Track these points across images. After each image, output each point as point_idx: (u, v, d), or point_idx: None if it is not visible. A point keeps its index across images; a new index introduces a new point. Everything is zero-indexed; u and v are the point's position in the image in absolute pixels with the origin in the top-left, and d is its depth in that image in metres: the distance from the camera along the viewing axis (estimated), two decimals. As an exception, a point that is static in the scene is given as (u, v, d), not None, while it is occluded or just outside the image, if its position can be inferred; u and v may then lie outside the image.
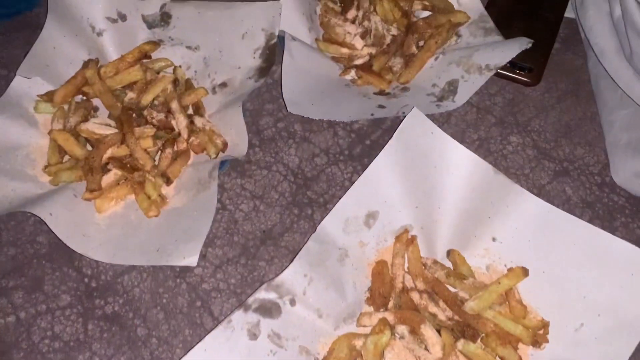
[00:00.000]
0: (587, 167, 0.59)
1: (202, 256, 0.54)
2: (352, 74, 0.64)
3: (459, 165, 0.51)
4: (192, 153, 0.58)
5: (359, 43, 0.63)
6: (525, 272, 0.48)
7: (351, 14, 0.66)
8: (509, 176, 0.57)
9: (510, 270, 0.48)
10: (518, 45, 0.59)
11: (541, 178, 0.59)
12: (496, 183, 0.51)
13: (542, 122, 0.62)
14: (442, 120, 0.62)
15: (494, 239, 0.52)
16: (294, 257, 0.50)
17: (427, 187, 0.52)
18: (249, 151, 0.59)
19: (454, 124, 0.62)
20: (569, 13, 0.68)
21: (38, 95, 0.58)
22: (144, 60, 0.61)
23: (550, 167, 0.59)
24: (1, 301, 0.52)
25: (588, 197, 0.58)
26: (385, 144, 0.54)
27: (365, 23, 0.65)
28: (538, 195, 0.55)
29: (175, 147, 0.58)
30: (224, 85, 0.62)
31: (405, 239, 0.52)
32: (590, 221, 0.54)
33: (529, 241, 0.51)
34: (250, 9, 0.62)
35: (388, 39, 0.65)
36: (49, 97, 0.58)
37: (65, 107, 0.58)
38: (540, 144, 0.61)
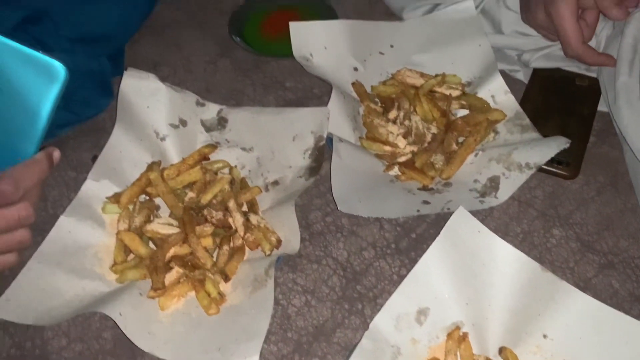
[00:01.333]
0: (632, 260, 0.60)
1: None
2: (396, 169, 0.67)
3: (507, 263, 0.53)
4: (247, 249, 0.62)
5: (401, 142, 0.67)
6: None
7: (392, 114, 0.70)
8: (554, 270, 0.59)
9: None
10: (556, 145, 0.62)
11: (587, 271, 0.60)
12: (544, 281, 0.53)
13: (583, 214, 0.64)
14: (485, 214, 0.64)
15: (545, 336, 0.53)
16: (348, 355, 0.52)
17: (477, 284, 0.54)
18: (300, 245, 0.62)
19: (497, 217, 0.64)
20: (601, 107, 0.72)
21: (106, 197, 0.63)
22: (203, 162, 0.66)
23: (595, 260, 0.61)
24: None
25: (636, 291, 0.58)
26: (431, 238, 0.56)
27: (406, 122, 0.69)
28: (585, 289, 0.57)
29: (231, 243, 0.61)
30: (276, 183, 0.66)
31: (457, 336, 0.53)
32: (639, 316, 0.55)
33: (581, 338, 0.52)
34: (300, 114, 0.67)
35: (429, 137, 0.68)
36: (115, 198, 0.63)
37: (130, 207, 0.63)
38: (583, 236, 0.62)
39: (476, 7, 0.74)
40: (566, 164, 0.66)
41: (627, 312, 0.53)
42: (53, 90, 0.43)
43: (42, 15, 0.69)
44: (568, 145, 0.62)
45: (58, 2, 0.70)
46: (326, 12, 0.86)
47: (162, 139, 0.67)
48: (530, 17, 0.67)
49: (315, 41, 0.74)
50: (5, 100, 0.42)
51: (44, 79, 0.42)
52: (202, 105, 0.69)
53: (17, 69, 0.42)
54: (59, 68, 0.42)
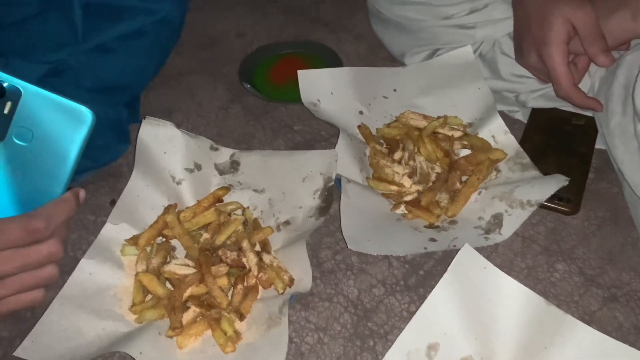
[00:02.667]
0: (635, 293, 0.62)
1: (274, 390, 0.57)
2: (402, 208, 0.70)
3: (512, 298, 0.55)
4: (260, 288, 0.64)
5: (407, 182, 0.70)
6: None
7: (397, 155, 0.73)
8: (559, 303, 0.61)
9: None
10: (556, 182, 0.65)
11: (591, 305, 0.61)
12: (549, 314, 0.54)
13: (586, 249, 0.66)
14: (491, 250, 0.66)
15: (552, 369, 0.54)
16: (362, 391, 0.53)
17: (484, 319, 0.55)
18: (311, 283, 0.64)
19: (502, 253, 0.66)
20: (599, 144, 0.74)
21: (125, 240, 0.65)
22: (217, 204, 0.69)
23: (598, 294, 0.62)
24: None
25: (640, 323, 0.60)
26: (438, 274, 0.58)
27: (411, 163, 0.72)
28: (589, 322, 0.58)
29: (245, 282, 0.63)
30: (287, 223, 0.68)
31: (466, 371, 0.54)
32: (644, 348, 0.56)
33: (587, 371, 0.53)
34: (309, 156, 0.70)
35: (433, 177, 0.71)
36: (134, 241, 0.65)
37: (148, 249, 0.65)
38: (586, 270, 0.64)
39: (474, 52, 0.78)
40: (567, 200, 0.68)
41: (632, 345, 0.54)
42: (81, 134, 0.46)
43: (65, 68, 0.73)
44: (567, 182, 0.65)
45: (78, 55, 0.74)
46: (331, 58, 0.91)
47: (178, 183, 0.70)
48: (523, 59, 0.71)
49: (322, 87, 0.78)
50: (37, 144, 0.46)
51: (72, 123, 0.46)
52: (216, 149, 0.73)
53: (48, 115, 0.45)
54: (86, 113, 0.46)
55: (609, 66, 0.67)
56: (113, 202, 0.73)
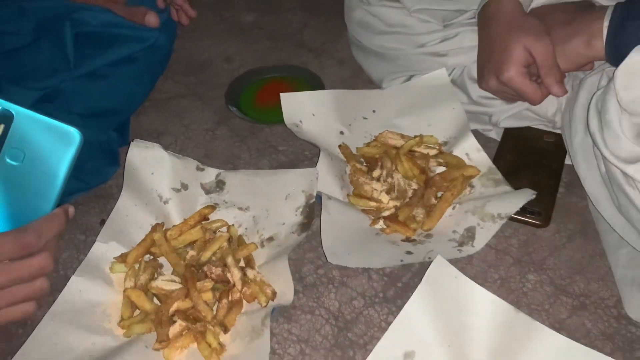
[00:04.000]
0: (602, 301, 0.65)
1: (257, 400, 0.59)
2: (381, 223, 0.73)
3: (483, 306, 0.58)
4: (244, 302, 0.66)
5: (385, 198, 0.73)
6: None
7: (376, 172, 0.76)
8: (531, 312, 0.64)
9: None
10: (524, 196, 0.68)
11: (560, 313, 0.64)
12: (518, 321, 0.57)
13: (556, 260, 0.69)
14: (465, 262, 0.69)
15: (522, 374, 0.57)
16: (341, 398, 0.55)
17: (457, 327, 0.58)
18: (294, 297, 0.67)
19: (476, 264, 0.69)
20: (568, 161, 0.78)
21: (114, 258, 0.68)
22: (203, 222, 0.72)
23: (568, 302, 0.65)
24: None
25: (607, 330, 0.62)
26: (415, 286, 0.61)
27: (389, 180, 0.75)
28: (560, 329, 0.61)
29: (230, 297, 0.66)
30: (270, 239, 0.71)
31: (440, 377, 0.57)
32: (611, 353, 0.59)
33: (556, 376, 0.56)
34: (291, 175, 0.74)
35: (410, 193, 0.74)
36: (122, 258, 0.68)
37: (136, 266, 0.68)
38: (556, 280, 0.67)
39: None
40: (538, 214, 0.72)
41: (599, 350, 0.57)
42: (70, 153, 0.49)
43: (56, 94, 0.76)
44: (534, 196, 0.68)
45: (70, 81, 0.78)
46: (314, 82, 0.95)
47: (165, 202, 0.73)
48: (484, 83, 0.75)
49: (304, 109, 0.81)
50: (29, 164, 0.49)
51: (62, 143, 0.49)
52: (202, 170, 0.76)
53: (39, 136, 0.48)
54: (75, 133, 0.49)
55: (562, 96, 0.71)
56: (103, 222, 0.75)
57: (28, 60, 0.77)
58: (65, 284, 0.65)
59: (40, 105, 0.74)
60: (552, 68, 0.68)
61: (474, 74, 0.78)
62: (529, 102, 0.74)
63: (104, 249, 0.68)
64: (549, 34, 0.68)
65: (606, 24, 0.64)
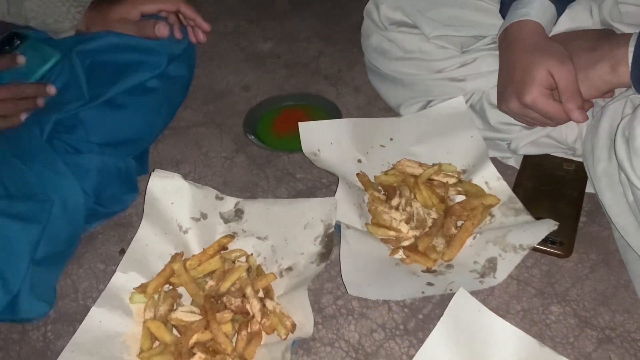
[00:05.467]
0: (628, 334, 0.64)
1: None
2: (401, 253, 0.72)
3: (506, 340, 0.57)
4: (263, 334, 0.66)
5: (404, 227, 0.73)
6: None
7: (395, 201, 0.76)
8: (555, 345, 0.62)
9: None
10: (546, 227, 0.67)
11: (586, 346, 0.63)
12: (543, 356, 0.56)
13: (579, 291, 0.68)
14: (487, 293, 0.68)
15: (549, 411, 0.55)
16: None
17: (480, 362, 0.57)
18: (313, 328, 0.66)
19: (498, 295, 0.68)
20: (589, 189, 0.77)
21: (134, 288, 0.68)
22: (222, 251, 0.72)
23: (593, 335, 0.64)
24: None
25: (634, 364, 0.61)
26: (437, 318, 0.60)
27: (408, 209, 0.75)
28: (585, 364, 0.60)
29: (249, 328, 0.65)
30: (289, 269, 0.71)
31: (464, 414, 0.56)
32: (640, 389, 0.58)
33: (583, 412, 0.54)
34: (310, 204, 0.73)
35: (429, 222, 0.74)
36: (142, 289, 0.68)
37: (156, 296, 0.68)
38: (580, 312, 0.66)
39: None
40: (560, 244, 0.71)
41: (627, 386, 0.56)
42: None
43: (75, 123, 0.77)
44: (557, 227, 0.68)
45: (89, 111, 0.79)
46: (331, 109, 0.95)
47: (185, 232, 0.73)
48: (504, 105, 0.74)
49: (321, 138, 0.82)
50: None
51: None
52: (221, 199, 0.76)
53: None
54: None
55: (582, 122, 0.70)
56: (122, 252, 0.76)
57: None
58: (85, 314, 0.65)
59: (60, 135, 0.75)
60: (574, 94, 0.68)
61: (493, 99, 0.78)
62: (554, 122, 0.73)
63: (124, 279, 0.68)
64: (571, 60, 0.68)
65: (631, 49, 0.64)
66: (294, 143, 0.85)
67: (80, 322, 0.65)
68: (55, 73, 0.80)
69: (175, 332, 0.65)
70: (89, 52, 0.81)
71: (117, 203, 0.82)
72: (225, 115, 0.98)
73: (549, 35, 0.74)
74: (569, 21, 0.75)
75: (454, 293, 0.61)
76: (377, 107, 0.96)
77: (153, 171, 0.74)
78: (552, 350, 0.56)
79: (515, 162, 0.82)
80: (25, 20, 0.83)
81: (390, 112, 0.94)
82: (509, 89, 0.73)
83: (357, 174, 0.80)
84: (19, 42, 0.81)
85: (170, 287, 0.70)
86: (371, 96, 0.98)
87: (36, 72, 0.79)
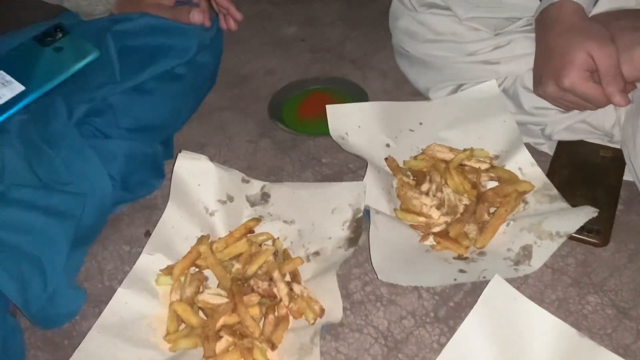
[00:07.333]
0: (669, 326, 0.61)
1: (305, 421, 0.57)
2: (431, 239, 0.70)
3: (544, 330, 0.55)
4: (290, 318, 0.64)
5: (435, 213, 0.71)
6: None
7: (425, 187, 0.74)
8: (592, 336, 0.60)
9: None
10: (584, 214, 0.65)
11: (624, 338, 0.61)
12: (582, 347, 0.54)
13: (617, 281, 0.66)
14: (521, 282, 0.66)
15: (588, 403, 0.53)
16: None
17: (516, 351, 0.55)
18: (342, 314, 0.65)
19: (532, 284, 0.66)
20: (627, 176, 0.75)
21: (160, 270, 0.67)
22: (248, 235, 0.71)
23: (632, 327, 0.61)
24: None
25: (676, 357, 0.59)
26: (468, 306, 0.59)
27: (439, 194, 0.73)
28: (625, 356, 0.58)
29: (276, 312, 0.64)
30: (316, 254, 0.70)
31: (499, 404, 0.54)
32: (682, 382, 0.55)
33: (624, 405, 0.52)
34: (338, 188, 0.72)
35: (461, 208, 0.72)
36: (168, 271, 0.67)
37: (182, 279, 0.67)
38: (618, 303, 0.64)
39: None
40: (596, 232, 0.68)
41: (669, 379, 0.54)
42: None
43: (105, 108, 0.77)
44: (596, 214, 0.65)
45: (117, 96, 0.78)
46: (357, 94, 0.94)
47: (211, 214, 0.72)
48: (541, 89, 0.72)
49: (349, 121, 0.80)
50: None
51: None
52: (247, 182, 0.75)
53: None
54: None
55: (624, 106, 0.67)
56: (148, 234, 0.75)
57: (76, 76, 0.78)
58: (111, 296, 0.65)
59: (89, 119, 0.75)
60: (615, 77, 0.65)
61: (528, 83, 0.75)
62: (594, 106, 0.70)
63: (149, 261, 0.68)
64: (613, 41, 0.65)
65: None
66: (319, 127, 0.83)
67: (106, 304, 0.64)
68: None
69: (201, 315, 0.65)
70: (123, 33, 0.81)
71: (143, 188, 0.81)
72: (249, 99, 0.97)
73: (589, 16, 0.71)
74: (610, 1, 0.72)
75: (487, 281, 0.59)
76: (404, 91, 0.94)
77: (180, 152, 0.73)
78: (592, 341, 0.54)
79: (548, 149, 0.80)
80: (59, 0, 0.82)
81: (419, 96, 0.92)
82: (547, 72, 0.70)
83: (386, 159, 0.78)
84: (61, 35, 0.80)
85: (197, 270, 0.69)
86: (399, 80, 0.96)
87: (72, 67, 0.78)
